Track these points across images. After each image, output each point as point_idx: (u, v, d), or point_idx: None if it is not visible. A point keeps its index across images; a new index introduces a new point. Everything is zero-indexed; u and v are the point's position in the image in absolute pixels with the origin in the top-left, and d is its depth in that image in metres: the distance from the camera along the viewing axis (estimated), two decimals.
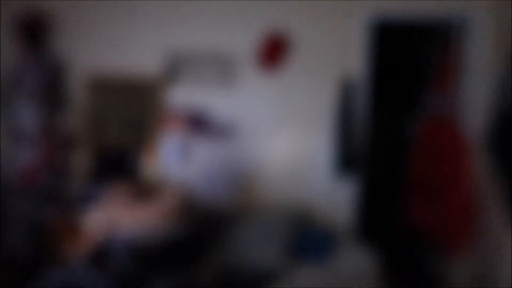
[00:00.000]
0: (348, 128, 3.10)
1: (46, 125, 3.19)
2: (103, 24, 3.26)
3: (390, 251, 3.11)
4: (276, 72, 3.17)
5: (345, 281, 2.53)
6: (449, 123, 3.09)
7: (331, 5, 3.08)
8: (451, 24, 3.17)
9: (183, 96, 3.23)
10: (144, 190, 2.90)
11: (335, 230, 2.97)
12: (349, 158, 3.12)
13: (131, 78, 3.23)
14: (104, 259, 2.44)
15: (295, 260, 2.70)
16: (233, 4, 3.15)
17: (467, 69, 3.01)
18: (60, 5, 3.26)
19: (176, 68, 3.23)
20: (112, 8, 3.24)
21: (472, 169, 2.89)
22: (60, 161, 3.24)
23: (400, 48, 4.22)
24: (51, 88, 3.22)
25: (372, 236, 3.20)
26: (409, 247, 3.57)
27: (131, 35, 3.24)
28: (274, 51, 3.12)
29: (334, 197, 3.16)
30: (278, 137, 3.21)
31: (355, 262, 2.69)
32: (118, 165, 3.22)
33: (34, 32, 3.22)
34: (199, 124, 3.21)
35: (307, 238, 2.81)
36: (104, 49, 3.27)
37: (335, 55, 3.11)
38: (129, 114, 3.28)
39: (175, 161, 3.23)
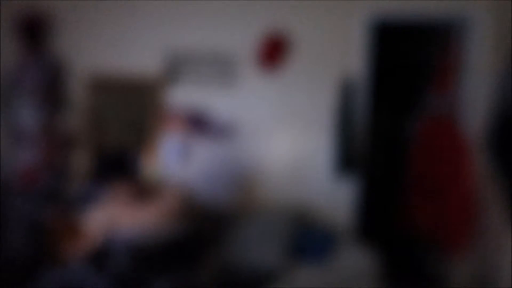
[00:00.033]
0: (348, 128, 3.10)
1: (46, 125, 3.19)
2: (103, 24, 3.26)
3: (390, 251, 3.11)
4: (276, 72, 3.17)
5: (345, 281, 2.53)
6: (449, 123, 3.09)
7: (331, 5, 3.08)
8: (451, 24, 3.17)
9: (183, 96, 3.23)
10: (144, 190, 2.90)
11: (335, 230, 2.97)
12: (349, 158, 3.12)
13: (131, 78, 3.23)
14: (104, 259, 2.44)
15: (295, 260, 2.70)
16: (233, 4, 3.15)
17: (467, 69, 3.01)
18: (60, 5, 3.26)
19: (176, 68, 3.23)
20: (112, 8, 3.24)
21: (472, 169, 2.89)
22: (60, 161, 3.24)
23: (400, 48, 4.22)
24: (51, 88, 3.22)
25: (372, 236, 3.20)
26: (409, 247, 3.57)
27: (131, 35, 3.24)
28: (274, 51, 3.12)
29: (334, 197, 3.16)
30: (278, 137, 3.21)
31: (355, 262, 2.69)
32: (118, 165, 3.21)
33: (34, 32, 3.22)
34: (199, 124, 3.21)
35: (307, 238, 2.81)
36: (104, 49, 3.27)
37: (335, 55, 3.11)
38: (129, 114, 3.28)
39: (175, 161, 3.23)
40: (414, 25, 3.17)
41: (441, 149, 3.04)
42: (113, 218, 2.55)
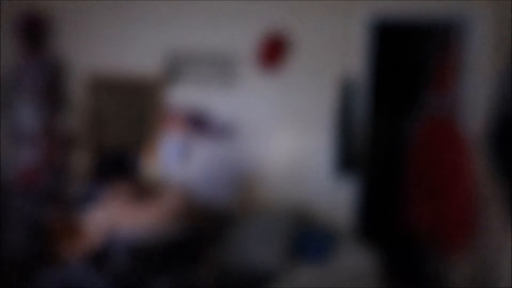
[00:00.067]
0: (348, 128, 3.10)
1: (46, 125, 3.19)
2: (103, 24, 3.26)
3: (390, 251, 3.11)
4: (276, 72, 3.17)
5: (345, 281, 2.53)
6: (449, 123, 3.09)
7: (331, 5, 3.08)
8: (451, 24, 3.17)
9: (183, 96, 3.23)
10: (144, 190, 2.90)
11: (335, 230, 2.97)
12: (349, 158, 3.12)
13: (131, 78, 3.23)
14: (104, 259, 2.44)
15: (295, 260, 2.70)
16: (233, 4, 3.15)
17: (467, 69, 3.01)
18: (60, 5, 3.26)
19: (176, 68, 3.23)
20: (112, 8, 3.24)
21: (472, 169, 2.89)
22: (60, 161, 3.24)
23: (400, 48, 4.22)
24: (51, 88, 3.22)
25: (372, 236, 3.20)
26: (409, 247, 3.57)
27: (131, 35, 3.24)
28: (274, 51, 3.12)
29: (334, 197, 3.16)
30: (278, 137, 3.21)
31: (355, 262, 2.69)
32: (118, 165, 3.21)
33: (34, 32, 3.22)
34: (199, 124, 3.21)
35: (307, 238, 2.81)
36: (104, 49, 3.27)
37: (335, 55, 3.11)
38: (129, 114, 3.28)
39: (175, 161, 3.23)
40: (414, 25, 3.17)
41: (441, 149, 3.04)
42: (113, 218, 2.55)
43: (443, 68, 3.18)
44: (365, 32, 3.07)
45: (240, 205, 3.14)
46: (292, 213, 2.97)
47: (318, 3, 3.08)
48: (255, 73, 3.18)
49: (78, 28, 3.27)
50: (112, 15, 3.24)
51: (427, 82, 3.45)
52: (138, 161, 3.23)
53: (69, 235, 2.55)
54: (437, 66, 3.27)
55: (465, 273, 2.97)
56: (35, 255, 2.88)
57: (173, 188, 3.05)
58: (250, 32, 3.15)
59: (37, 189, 3.12)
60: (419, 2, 2.98)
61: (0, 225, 3.03)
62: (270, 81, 3.18)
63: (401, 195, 3.38)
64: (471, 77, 2.98)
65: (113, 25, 3.25)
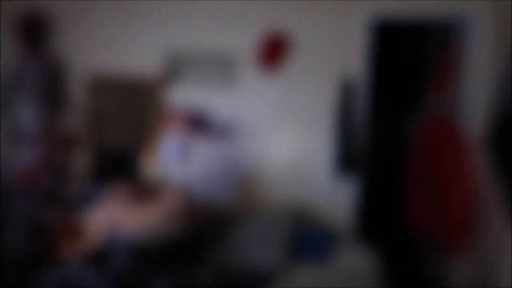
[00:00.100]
0: (348, 128, 3.10)
1: (46, 125, 3.19)
2: (103, 24, 3.26)
3: (390, 251, 3.11)
4: (276, 72, 3.17)
5: (345, 281, 2.53)
6: (449, 123, 3.09)
7: (331, 5, 3.08)
8: (451, 24, 3.17)
9: (183, 96, 3.23)
10: (144, 190, 2.90)
11: (335, 230, 2.97)
12: (349, 158, 3.12)
13: (131, 78, 3.23)
14: (104, 259, 2.44)
15: (295, 260, 2.70)
16: (233, 4, 3.15)
17: (467, 69, 3.01)
18: (60, 5, 3.26)
19: (176, 68, 3.23)
20: (112, 8, 3.24)
21: (472, 169, 2.89)
22: (60, 161, 3.24)
23: (400, 48, 4.22)
24: (51, 88, 3.22)
25: (372, 236, 3.20)
26: (409, 247, 3.57)
27: (131, 35, 3.24)
28: (274, 51, 3.12)
29: (334, 197, 3.16)
30: (278, 137, 3.21)
31: (355, 262, 2.69)
32: (118, 165, 3.21)
33: (34, 32, 3.22)
34: (199, 124, 3.21)
35: (307, 238, 2.81)
36: (104, 49, 3.27)
37: (335, 55, 3.11)
38: (129, 114, 3.28)
39: (175, 161, 3.23)
40: (414, 25, 3.17)
41: (441, 149, 3.04)
42: (113, 218, 2.55)
43: (443, 68, 3.18)
44: (365, 32, 3.07)
45: (240, 205, 3.14)
46: (292, 213, 2.97)
47: (318, 3, 3.08)
48: (255, 73, 3.18)
49: (78, 28, 3.27)
50: (112, 15, 3.24)
51: (427, 82, 3.45)
52: (138, 161, 3.23)
53: (69, 235, 2.55)
54: (437, 66, 3.27)
55: (465, 273, 2.97)
56: (35, 255, 2.88)
57: (173, 188, 3.05)
58: (250, 32, 3.15)
59: (37, 189, 3.12)
60: (419, 2, 2.98)
61: (0, 225, 3.03)
62: (270, 81, 3.18)
63: (401, 195, 3.38)
64: (471, 77, 2.98)
65: (113, 25, 3.25)
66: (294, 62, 3.15)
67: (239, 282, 2.57)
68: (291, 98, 3.17)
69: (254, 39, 3.15)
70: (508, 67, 2.66)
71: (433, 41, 3.51)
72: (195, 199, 3.08)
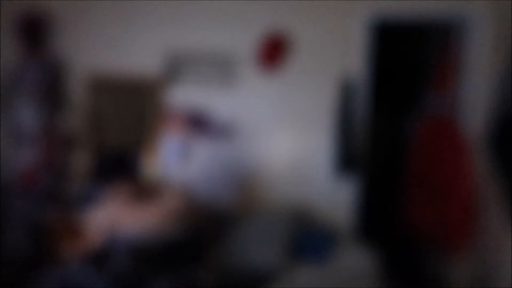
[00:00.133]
0: (348, 128, 3.10)
1: (46, 125, 3.19)
2: (103, 24, 3.26)
3: (390, 251, 3.11)
4: (276, 72, 3.17)
5: (345, 281, 2.53)
6: (449, 123, 3.09)
7: (331, 5, 3.08)
8: (451, 24, 3.17)
9: (183, 96, 3.23)
10: (144, 190, 2.90)
11: (335, 230, 2.97)
12: (349, 158, 3.12)
13: (131, 78, 3.23)
14: (104, 259, 2.44)
15: (295, 260, 2.70)
16: (233, 4, 3.15)
17: (467, 69, 3.01)
18: (60, 5, 3.26)
19: (176, 68, 3.23)
20: (112, 8, 3.24)
21: (472, 169, 2.89)
22: (60, 161, 3.24)
23: (400, 48, 4.22)
24: (51, 88, 3.22)
25: (372, 236, 3.20)
26: (409, 247, 3.57)
27: (131, 35, 3.24)
28: (274, 51, 3.12)
29: (334, 197, 3.16)
30: (278, 137, 3.21)
31: (355, 262, 2.69)
32: (118, 165, 3.21)
33: (34, 32, 3.22)
34: (199, 124, 3.21)
35: (307, 238, 2.81)
36: (104, 49, 3.27)
37: (335, 55, 3.11)
38: (129, 114, 3.28)
39: (175, 161, 3.23)
40: (414, 25, 3.17)
41: (441, 149, 3.04)
42: (113, 218, 2.55)
43: (443, 68, 3.18)
44: (365, 32, 3.07)
45: (240, 205, 3.14)
46: (292, 213, 2.97)
47: (318, 3, 3.08)
48: (255, 73, 3.18)
49: (78, 28, 3.27)
50: (112, 15, 3.24)
51: (427, 82, 3.45)
52: (138, 161, 3.23)
53: (69, 235, 2.55)
54: (437, 66, 3.27)
55: (465, 273, 2.97)
56: (35, 255, 2.88)
57: (173, 188, 3.05)
58: (250, 32, 3.15)
59: (37, 189, 3.12)
60: (419, 2, 2.98)
61: (0, 225, 3.03)
62: (270, 81, 3.18)
63: (401, 195, 3.38)
64: (471, 77, 2.98)
65: (113, 25, 3.25)
66: (294, 62, 3.15)
67: (239, 282, 2.57)
68: (291, 98, 3.17)
69: (254, 39, 3.15)
70: (508, 67, 2.66)
71: (433, 41, 3.51)
72: (195, 199, 3.08)
